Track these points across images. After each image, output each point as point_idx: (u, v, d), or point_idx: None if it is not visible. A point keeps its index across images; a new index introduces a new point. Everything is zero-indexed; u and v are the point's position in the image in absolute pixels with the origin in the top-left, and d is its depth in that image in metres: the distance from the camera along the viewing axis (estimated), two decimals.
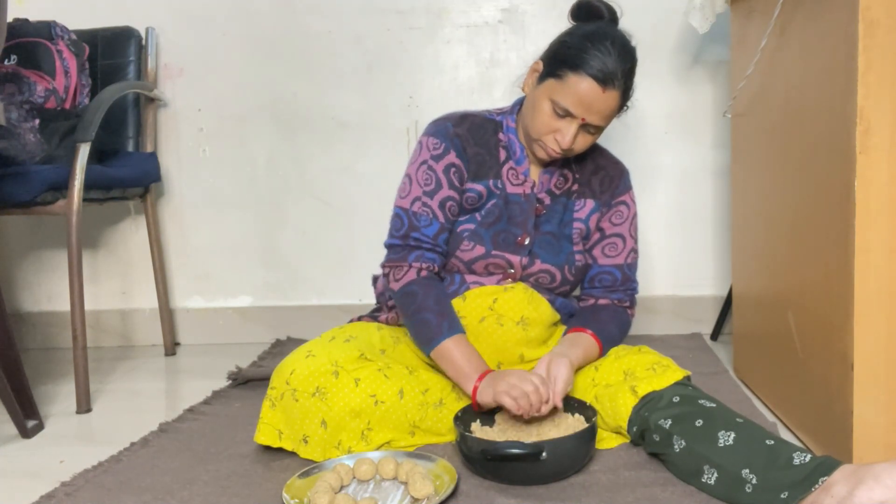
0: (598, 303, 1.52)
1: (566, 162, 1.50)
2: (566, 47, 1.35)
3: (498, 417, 1.33)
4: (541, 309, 1.44)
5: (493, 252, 1.43)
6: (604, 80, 1.31)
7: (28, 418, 1.58)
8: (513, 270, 1.45)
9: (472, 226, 1.45)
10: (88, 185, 1.79)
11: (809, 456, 1.05)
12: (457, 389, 1.40)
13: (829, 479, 0.99)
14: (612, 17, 1.42)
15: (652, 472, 1.21)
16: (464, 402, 1.37)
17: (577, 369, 1.37)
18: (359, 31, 2.23)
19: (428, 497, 1.12)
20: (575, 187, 1.51)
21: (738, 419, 1.16)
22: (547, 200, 1.48)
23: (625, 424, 1.28)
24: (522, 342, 1.42)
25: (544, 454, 1.14)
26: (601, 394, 1.33)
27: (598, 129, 1.39)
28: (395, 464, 1.21)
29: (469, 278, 1.46)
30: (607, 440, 1.33)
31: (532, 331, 1.43)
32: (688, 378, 1.32)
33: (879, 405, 1.17)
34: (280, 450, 1.35)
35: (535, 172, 1.49)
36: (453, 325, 1.35)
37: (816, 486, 1.00)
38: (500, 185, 1.46)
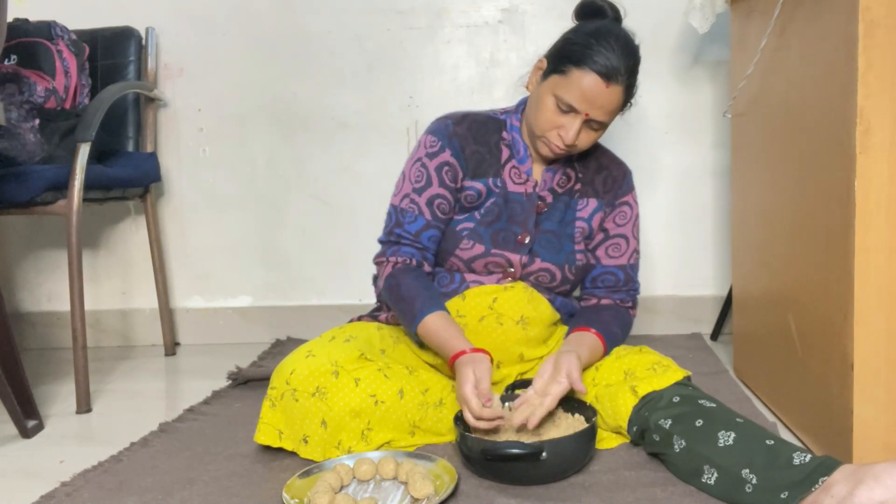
0: (600, 303, 1.52)
1: (569, 161, 1.50)
2: (570, 44, 1.36)
3: None
4: (541, 308, 1.44)
5: (493, 251, 1.43)
6: (607, 75, 1.32)
7: (28, 418, 1.58)
8: (512, 269, 1.45)
9: (470, 224, 1.45)
10: (88, 185, 1.79)
11: (809, 456, 1.05)
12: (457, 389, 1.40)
13: (829, 479, 0.99)
14: (616, 16, 1.43)
15: (652, 472, 1.21)
16: None
17: (584, 368, 1.37)
18: (359, 31, 2.23)
19: (428, 497, 1.12)
20: (578, 186, 1.51)
21: (738, 419, 1.16)
22: (549, 198, 1.49)
23: (625, 424, 1.28)
24: (522, 341, 1.42)
25: (544, 454, 1.14)
26: (601, 394, 1.33)
27: (602, 126, 1.39)
28: (395, 464, 1.21)
29: (469, 277, 1.46)
30: (607, 440, 1.32)
31: (532, 330, 1.43)
32: (688, 378, 1.32)
33: (879, 405, 1.17)
34: (280, 450, 1.35)
35: (537, 171, 1.49)
36: (430, 303, 1.35)
37: (816, 486, 1.00)
38: (499, 184, 1.46)
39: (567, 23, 1.45)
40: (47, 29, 2.00)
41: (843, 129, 1.16)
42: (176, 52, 2.28)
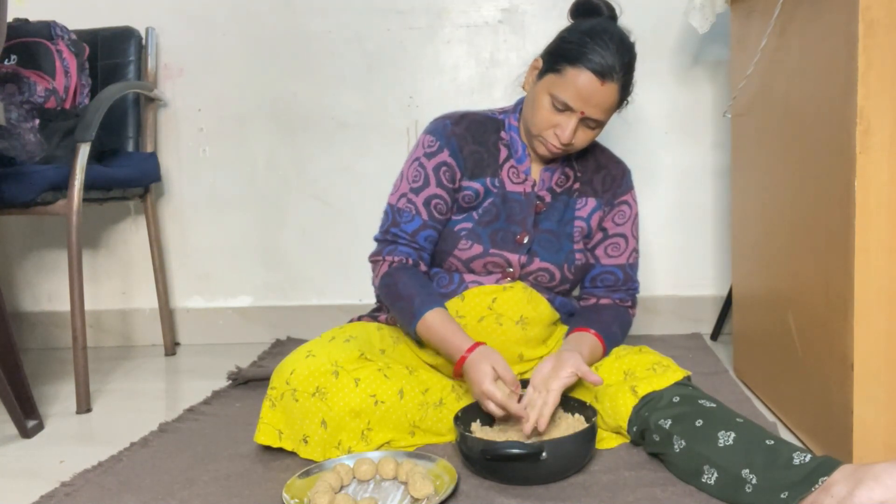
0: (599, 302, 1.52)
1: (568, 160, 1.50)
2: (565, 43, 1.36)
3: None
4: (540, 308, 1.44)
5: (492, 250, 1.43)
6: (602, 73, 1.32)
7: (28, 418, 1.58)
8: (511, 269, 1.45)
9: (469, 224, 1.45)
10: (88, 185, 1.79)
11: (809, 456, 1.05)
12: (457, 389, 1.40)
13: (829, 479, 0.99)
14: (611, 14, 1.43)
15: (652, 472, 1.21)
16: (464, 402, 1.37)
17: None
18: (359, 31, 2.23)
19: (428, 497, 1.12)
20: (576, 185, 1.51)
21: (738, 419, 1.16)
22: (548, 198, 1.49)
23: (625, 424, 1.28)
24: (522, 341, 1.42)
25: (544, 454, 1.14)
26: (601, 394, 1.33)
27: (599, 124, 1.39)
28: (395, 464, 1.21)
29: (468, 277, 1.46)
30: (607, 440, 1.32)
31: (531, 330, 1.43)
32: (688, 378, 1.32)
33: (879, 405, 1.17)
34: (280, 450, 1.35)
35: (536, 171, 1.49)
36: (430, 300, 1.35)
37: (816, 486, 1.00)
38: (497, 184, 1.47)
39: (567, 22, 1.45)
40: (47, 29, 2.00)
41: (843, 129, 1.16)
42: (176, 52, 2.28)
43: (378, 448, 1.30)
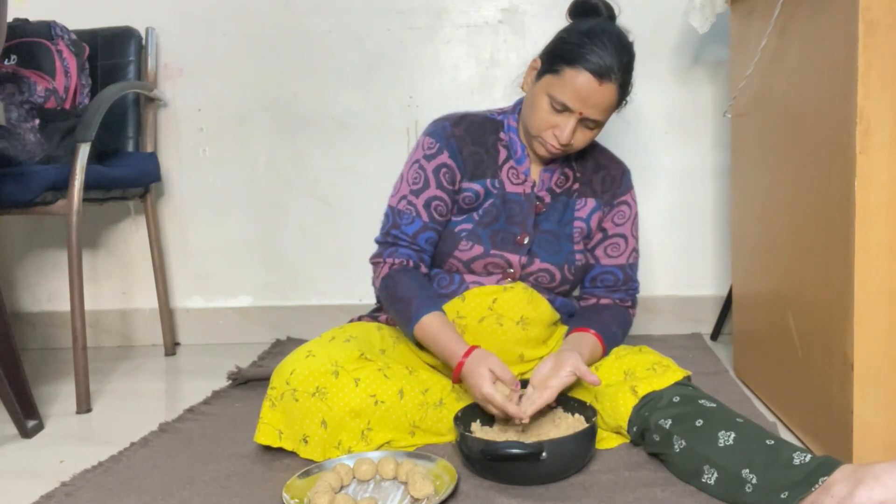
0: (599, 302, 1.52)
1: (567, 160, 1.50)
2: (563, 43, 1.36)
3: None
4: (540, 308, 1.44)
5: (492, 251, 1.43)
6: (600, 74, 1.32)
7: (28, 418, 1.58)
8: (512, 270, 1.45)
9: (469, 225, 1.45)
10: (88, 185, 1.79)
11: (809, 456, 1.05)
12: (457, 389, 1.40)
13: (829, 479, 0.99)
14: (610, 14, 1.42)
15: (652, 472, 1.21)
16: (464, 402, 1.37)
17: None
18: (359, 31, 2.23)
19: (428, 497, 1.12)
20: (576, 186, 1.51)
21: (738, 419, 1.16)
22: (547, 199, 1.49)
23: (625, 424, 1.28)
24: (522, 342, 1.42)
25: (544, 454, 1.14)
26: (601, 394, 1.33)
27: (598, 125, 1.39)
28: (395, 464, 1.21)
29: (468, 278, 1.46)
30: (607, 440, 1.32)
31: (532, 330, 1.43)
32: (688, 378, 1.32)
33: (879, 405, 1.17)
34: (280, 450, 1.35)
35: (535, 172, 1.49)
36: (428, 303, 1.36)
37: (816, 486, 1.00)
38: (497, 185, 1.47)
39: (567, 22, 1.45)
40: (47, 29, 2.00)
41: (843, 129, 1.16)
42: (176, 52, 2.28)
43: (378, 448, 1.30)
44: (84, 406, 1.72)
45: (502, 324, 1.41)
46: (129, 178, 2.03)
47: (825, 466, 1.02)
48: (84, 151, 1.76)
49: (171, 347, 2.27)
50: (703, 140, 2.19)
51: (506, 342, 1.41)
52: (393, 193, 1.49)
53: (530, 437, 1.25)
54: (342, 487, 1.19)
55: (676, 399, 1.23)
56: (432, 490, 1.12)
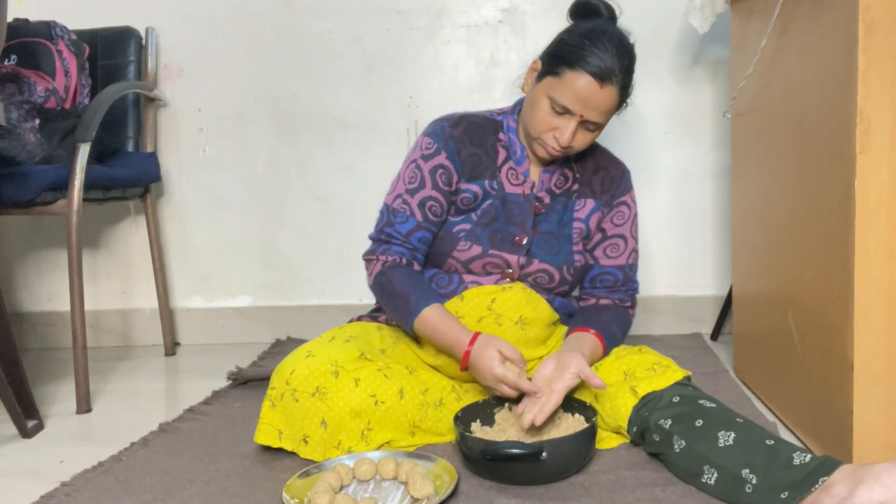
0: (599, 303, 1.52)
1: (567, 161, 1.50)
2: (564, 45, 1.36)
3: (498, 417, 1.33)
4: (539, 309, 1.44)
5: (491, 252, 1.43)
6: (601, 77, 1.31)
7: (28, 418, 1.58)
8: (511, 270, 1.45)
9: (467, 226, 1.45)
10: (88, 185, 1.79)
11: (809, 456, 1.05)
12: (457, 389, 1.40)
13: (829, 479, 0.99)
14: (611, 16, 1.42)
15: (652, 472, 1.21)
16: (464, 402, 1.37)
17: None
18: (359, 31, 2.23)
19: (428, 497, 1.12)
20: (575, 187, 1.51)
21: (738, 419, 1.16)
22: (547, 199, 1.48)
23: (625, 424, 1.28)
24: (521, 342, 1.42)
25: (544, 454, 1.14)
26: (601, 394, 1.33)
27: (598, 127, 1.39)
28: (395, 464, 1.21)
29: (467, 278, 1.46)
30: (607, 440, 1.32)
31: (531, 331, 1.43)
32: (688, 378, 1.32)
33: (879, 405, 1.17)
34: (280, 450, 1.35)
35: (535, 172, 1.49)
36: (427, 296, 1.36)
37: (816, 486, 1.00)
38: (496, 186, 1.46)
39: (567, 22, 1.45)
40: (47, 29, 2.00)
41: (843, 129, 1.16)
42: (176, 52, 2.28)
43: (378, 448, 1.30)
44: (84, 406, 1.72)
45: (501, 324, 1.41)
46: (129, 177, 2.03)
47: (825, 466, 1.02)
48: (84, 151, 1.76)
49: (171, 347, 2.27)
50: (703, 140, 2.19)
51: None
52: (389, 191, 1.49)
53: (530, 437, 1.25)
54: (342, 487, 1.19)
55: (676, 399, 1.23)
56: (432, 490, 1.12)
